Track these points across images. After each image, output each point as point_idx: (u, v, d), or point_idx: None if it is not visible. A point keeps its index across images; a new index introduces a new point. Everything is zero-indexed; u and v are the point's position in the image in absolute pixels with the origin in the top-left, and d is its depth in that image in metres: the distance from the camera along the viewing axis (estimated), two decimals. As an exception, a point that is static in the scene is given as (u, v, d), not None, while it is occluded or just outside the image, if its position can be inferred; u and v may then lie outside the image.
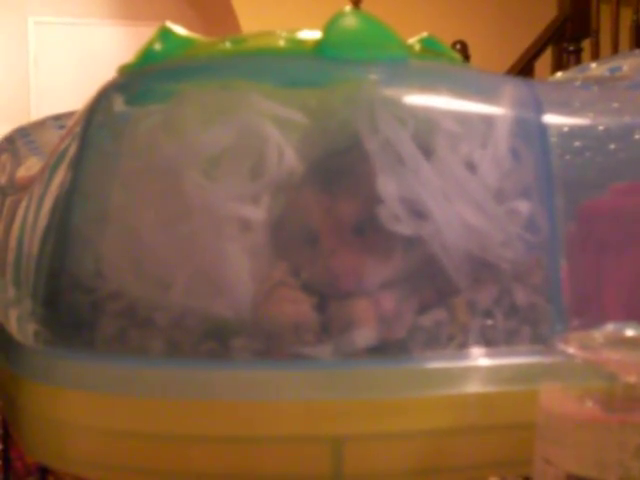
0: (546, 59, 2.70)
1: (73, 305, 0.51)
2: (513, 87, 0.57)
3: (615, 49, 2.66)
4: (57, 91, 4.52)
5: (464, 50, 2.60)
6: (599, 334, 0.42)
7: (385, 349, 0.46)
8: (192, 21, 4.56)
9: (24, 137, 0.91)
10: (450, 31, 2.82)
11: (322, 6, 3.45)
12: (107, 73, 0.57)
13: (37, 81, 4.63)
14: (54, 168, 0.60)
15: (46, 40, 4.66)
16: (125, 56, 0.56)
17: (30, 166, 0.82)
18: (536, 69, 2.65)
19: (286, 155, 0.49)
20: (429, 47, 0.59)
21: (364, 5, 2.85)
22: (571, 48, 2.63)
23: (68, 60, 4.66)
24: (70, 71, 4.63)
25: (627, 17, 2.78)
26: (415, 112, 0.51)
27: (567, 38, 2.64)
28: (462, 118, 0.52)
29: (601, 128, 0.57)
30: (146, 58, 0.55)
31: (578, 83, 0.69)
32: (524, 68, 2.61)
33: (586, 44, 2.66)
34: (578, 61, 2.61)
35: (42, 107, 4.38)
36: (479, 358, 0.47)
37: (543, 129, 0.53)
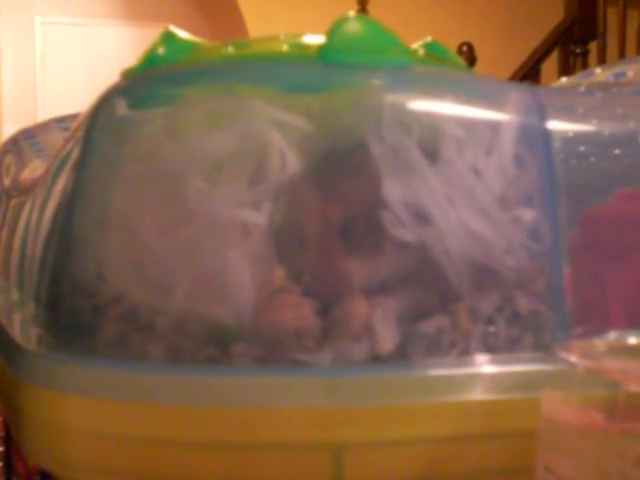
0: (553, 61, 2.69)
1: (75, 309, 0.51)
2: (517, 93, 0.57)
3: (622, 51, 2.66)
4: (64, 91, 4.53)
5: (471, 52, 2.60)
6: (601, 342, 0.42)
7: (386, 356, 0.46)
8: (199, 22, 4.56)
9: (28, 139, 0.91)
10: (457, 33, 2.82)
11: (328, 6, 3.45)
12: (114, 73, 0.57)
13: (44, 81, 4.64)
14: (57, 171, 0.60)
15: (53, 40, 4.67)
16: (132, 57, 0.56)
17: (34, 168, 0.82)
18: (543, 71, 2.65)
19: (288, 160, 0.48)
20: (433, 52, 0.58)
21: (370, 7, 2.84)
22: (578, 50, 2.63)
23: (75, 60, 4.67)
24: (77, 71, 4.63)
25: (634, 19, 2.78)
26: (419, 118, 0.51)
27: (574, 40, 2.64)
28: (466, 124, 0.51)
29: (605, 134, 0.57)
30: (149, 62, 0.55)
31: (582, 89, 0.69)
32: (531, 70, 2.61)
33: (593, 46, 2.66)
34: (585, 63, 2.60)
35: (49, 107, 4.39)
36: (481, 365, 0.47)
37: (547, 135, 0.53)
